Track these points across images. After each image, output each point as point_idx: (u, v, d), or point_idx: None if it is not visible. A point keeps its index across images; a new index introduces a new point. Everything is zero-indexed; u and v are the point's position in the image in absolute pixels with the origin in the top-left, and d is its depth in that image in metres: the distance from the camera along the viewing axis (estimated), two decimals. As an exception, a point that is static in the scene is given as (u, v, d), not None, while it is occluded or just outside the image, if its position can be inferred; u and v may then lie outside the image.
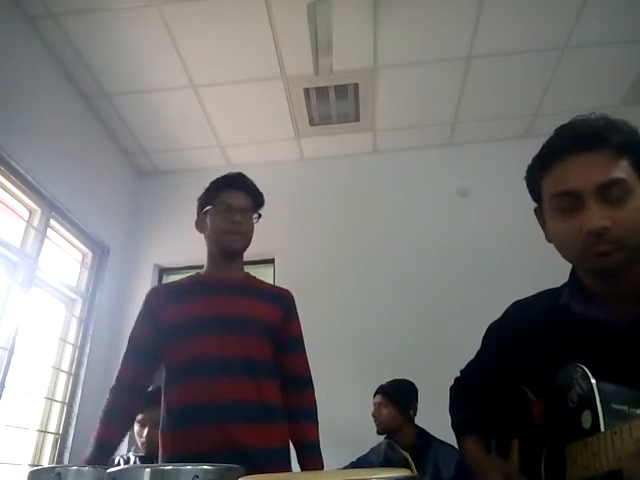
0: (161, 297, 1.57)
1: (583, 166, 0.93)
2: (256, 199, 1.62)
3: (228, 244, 1.54)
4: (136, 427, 2.38)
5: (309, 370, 1.60)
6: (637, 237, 0.90)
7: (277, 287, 1.67)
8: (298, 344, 1.60)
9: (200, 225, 1.61)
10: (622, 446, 0.70)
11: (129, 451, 2.56)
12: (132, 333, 1.56)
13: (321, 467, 1.44)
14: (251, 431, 1.36)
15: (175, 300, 1.53)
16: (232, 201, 1.56)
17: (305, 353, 1.61)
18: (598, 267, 0.92)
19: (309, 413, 1.55)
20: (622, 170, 0.91)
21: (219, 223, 1.54)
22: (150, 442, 2.31)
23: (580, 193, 0.92)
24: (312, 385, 1.59)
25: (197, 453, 1.30)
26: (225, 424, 1.34)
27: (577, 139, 0.94)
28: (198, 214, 1.63)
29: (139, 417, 2.38)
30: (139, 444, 2.38)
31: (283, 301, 1.60)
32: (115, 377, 1.53)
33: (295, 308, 1.63)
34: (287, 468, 1.43)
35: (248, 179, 1.64)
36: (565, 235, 0.95)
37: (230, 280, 1.55)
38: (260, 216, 1.63)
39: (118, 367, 1.53)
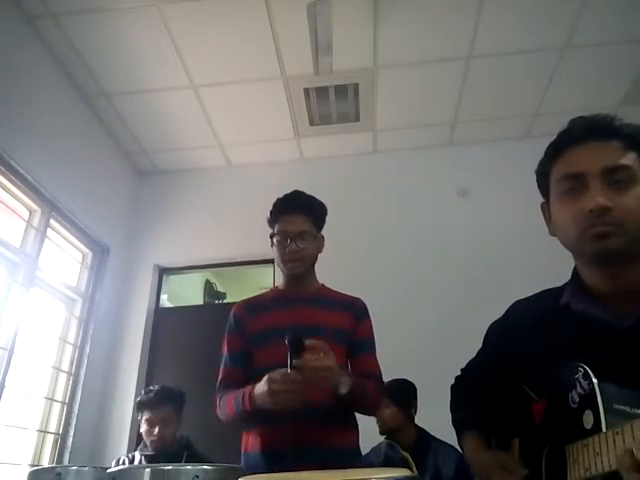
0: (245, 310, 1.69)
1: (591, 151, 0.96)
2: (314, 215, 1.68)
3: (288, 271, 1.66)
4: (144, 426, 2.39)
5: (379, 370, 1.65)
6: (637, 224, 0.91)
7: (349, 296, 1.74)
8: (368, 345, 1.66)
9: (273, 251, 1.70)
10: (624, 447, 0.70)
11: (135, 450, 2.56)
12: (226, 345, 1.67)
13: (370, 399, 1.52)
14: (324, 430, 1.45)
15: (256, 312, 1.65)
16: (286, 227, 1.63)
17: (375, 354, 1.67)
18: (597, 250, 0.93)
19: (378, 388, 1.61)
20: (629, 159, 0.95)
21: (278, 252, 1.64)
22: (162, 440, 2.34)
23: (585, 175, 0.95)
24: (383, 388, 1.66)
25: (277, 450, 1.40)
26: (300, 423, 1.40)
27: (589, 128, 0.98)
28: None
29: (147, 416, 2.39)
30: (148, 442, 2.38)
31: (354, 308, 1.68)
32: (219, 381, 1.63)
33: (367, 313, 1.70)
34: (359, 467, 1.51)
35: (302, 198, 1.69)
36: (568, 217, 0.97)
37: (305, 293, 1.67)
38: (322, 228, 1.71)
39: (220, 375, 1.64)
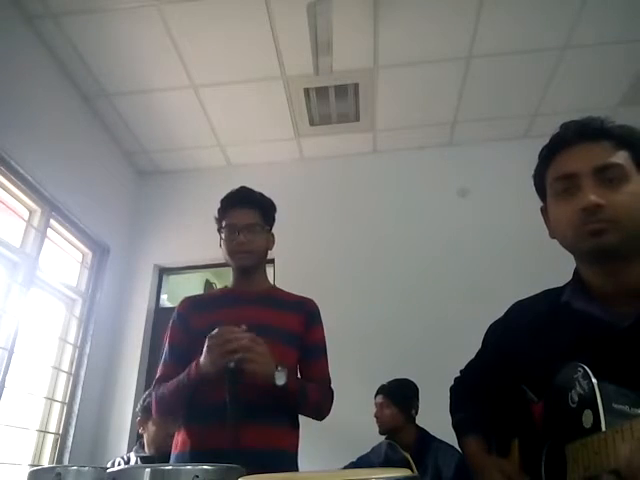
0: (191, 305, 1.65)
1: (583, 152, 0.98)
2: (263, 210, 1.66)
3: (237, 263, 1.61)
4: (154, 427, 2.36)
5: (328, 376, 1.63)
6: (632, 220, 0.92)
7: (300, 297, 1.70)
8: (317, 351, 1.63)
9: (221, 245, 1.67)
10: (623, 445, 0.70)
11: (130, 451, 2.55)
12: (169, 339, 1.62)
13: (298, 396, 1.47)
14: (262, 431, 1.40)
15: (202, 309, 1.61)
16: (234, 221, 1.60)
17: (325, 360, 1.64)
18: (592, 247, 0.94)
19: (322, 392, 1.56)
20: (620, 157, 0.96)
21: (226, 245, 1.61)
22: (170, 440, 2.33)
23: (577, 175, 0.97)
24: (331, 394, 1.61)
25: (210, 450, 1.34)
26: (237, 423, 1.34)
27: (580, 131, 1.00)
28: (219, 234, 1.69)
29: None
30: (155, 444, 2.34)
31: (305, 309, 1.65)
32: (156, 379, 1.57)
33: (319, 316, 1.67)
34: (293, 470, 1.45)
35: (252, 193, 1.67)
36: (563, 218, 0.98)
37: (254, 292, 1.62)
38: (272, 225, 1.69)
39: (158, 372, 1.59)
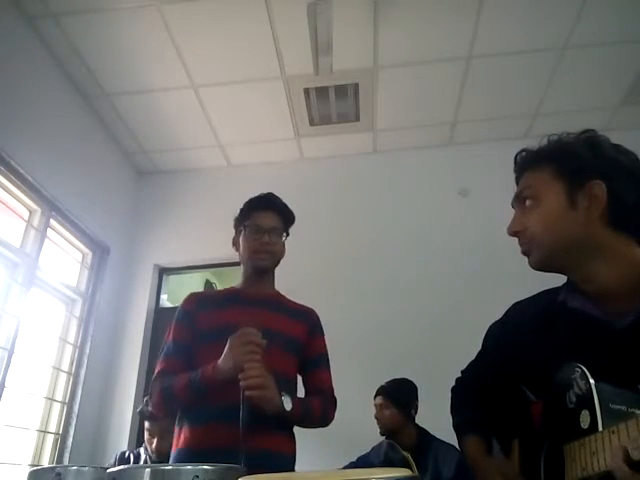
0: (197, 302, 1.65)
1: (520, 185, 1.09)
2: (286, 218, 1.71)
3: (257, 262, 1.64)
4: (145, 434, 2.38)
5: (331, 386, 1.65)
6: (549, 234, 0.97)
7: (303, 306, 1.74)
8: (322, 361, 1.67)
9: (235, 244, 1.72)
10: (619, 444, 0.70)
11: (140, 447, 2.55)
12: (171, 334, 1.62)
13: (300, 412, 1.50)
14: (259, 434, 1.40)
15: (209, 307, 1.61)
16: (261, 222, 1.65)
17: (329, 370, 1.67)
18: (531, 265, 1.04)
19: (325, 405, 1.58)
20: (530, 179, 1.04)
21: (250, 244, 1.64)
22: (158, 453, 2.31)
23: (514, 205, 1.11)
24: (334, 402, 1.64)
25: (210, 449, 1.37)
26: (237, 425, 1.37)
27: (517, 167, 1.14)
28: (236, 233, 1.74)
29: (147, 426, 2.37)
30: (149, 451, 2.38)
31: (308, 319, 1.69)
32: (157, 372, 1.56)
33: (320, 326, 1.71)
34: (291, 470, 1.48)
35: (278, 199, 1.73)
36: None
37: (262, 295, 1.66)
38: (288, 235, 1.73)
39: (160, 365, 1.57)
